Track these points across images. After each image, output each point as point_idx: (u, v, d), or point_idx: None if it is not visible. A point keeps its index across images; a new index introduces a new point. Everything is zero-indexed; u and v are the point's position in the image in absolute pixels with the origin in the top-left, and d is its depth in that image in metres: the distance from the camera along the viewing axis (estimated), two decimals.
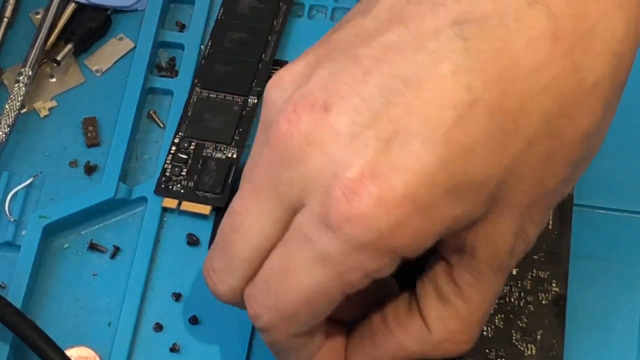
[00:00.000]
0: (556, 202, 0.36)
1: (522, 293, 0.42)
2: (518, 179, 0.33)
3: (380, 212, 0.32)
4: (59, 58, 0.49)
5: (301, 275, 0.34)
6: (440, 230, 0.33)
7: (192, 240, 0.45)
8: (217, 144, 0.47)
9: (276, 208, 0.35)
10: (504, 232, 0.35)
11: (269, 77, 0.48)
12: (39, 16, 0.51)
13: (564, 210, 0.44)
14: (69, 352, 0.42)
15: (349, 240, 0.33)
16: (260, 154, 0.35)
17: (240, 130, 0.47)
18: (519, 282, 0.43)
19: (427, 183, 0.32)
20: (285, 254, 0.35)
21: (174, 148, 0.47)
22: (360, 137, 0.33)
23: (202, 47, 0.49)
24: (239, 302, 0.38)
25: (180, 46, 0.50)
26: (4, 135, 0.47)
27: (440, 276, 0.36)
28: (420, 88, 0.32)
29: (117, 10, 0.51)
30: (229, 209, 0.37)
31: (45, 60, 0.50)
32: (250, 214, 0.36)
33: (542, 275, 0.43)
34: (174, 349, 0.43)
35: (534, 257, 0.43)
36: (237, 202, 0.36)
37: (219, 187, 0.45)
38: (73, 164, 0.48)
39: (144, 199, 0.46)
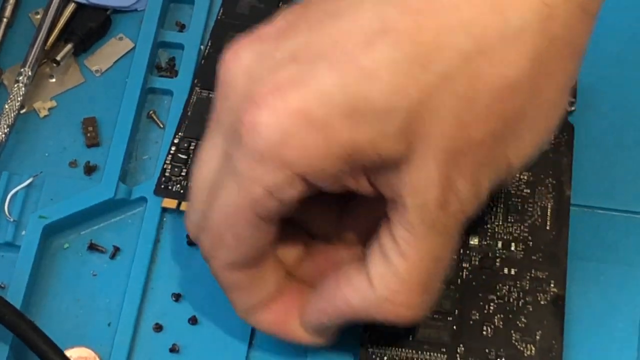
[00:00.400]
0: (495, 166, 0.36)
1: (521, 293, 0.42)
2: (435, 116, 0.33)
3: (272, 121, 0.34)
4: (58, 58, 0.49)
5: (222, 195, 0.37)
6: (339, 154, 0.34)
7: (192, 241, 0.45)
8: None
9: (220, 140, 0.37)
10: (428, 179, 0.35)
11: None
12: (39, 16, 0.51)
13: (561, 211, 0.44)
14: (69, 352, 0.42)
15: (248, 150, 0.35)
16: None
17: None
18: (518, 282, 0.43)
19: (323, 101, 0.34)
20: (217, 178, 0.37)
21: (173, 148, 0.47)
22: (280, 60, 0.35)
23: (202, 47, 0.49)
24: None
25: (180, 46, 0.50)
26: (3, 135, 0.47)
27: (383, 232, 0.37)
28: (340, 17, 0.34)
29: (117, 10, 0.51)
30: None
31: (45, 60, 0.50)
32: (204, 150, 0.38)
33: (541, 276, 0.43)
34: (173, 349, 0.43)
35: (532, 257, 0.43)
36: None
37: None
38: (73, 164, 0.48)
39: (143, 199, 0.46)
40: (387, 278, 0.37)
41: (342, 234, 0.41)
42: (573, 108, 0.46)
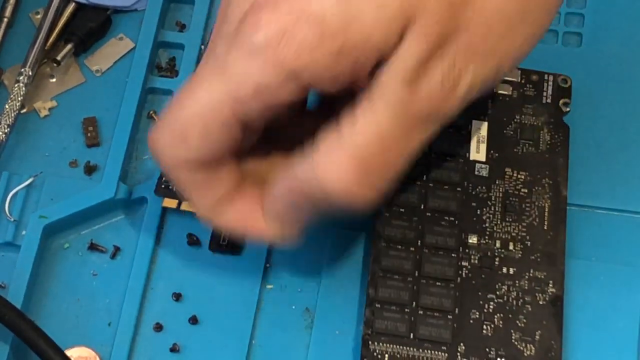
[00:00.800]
0: (481, 61, 0.36)
1: (520, 293, 0.42)
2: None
3: (274, 18, 0.35)
4: (59, 58, 0.49)
5: (198, 92, 0.37)
6: (335, 49, 0.34)
7: (192, 240, 0.45)
8: None
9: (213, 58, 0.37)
10: (405, 57, 0.35)
11: None
12: (39, 16, 0.51)
13: (558, 211, 0.44)
14: (69, 352, 0.42)
15: (246, 44, 0.35)
16: None
17: None
18: (517, 282, 0.43)
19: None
20: (196, 72, 0.37)
21: None
22: None
23: (202, 47, 0.49)
24: None
25: (180, 46, 0.50)
26: (4, 135, 0.47)
27: (344, 109, 0.36)
28: None
29: (117, 10, 0.51)
30: None
31: (45, 60, 0.50)
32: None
33: (539, 276, 0.43)
34: (174, 349, 0.43)
35: (531, 257, 0.43)
36: None
37: None
38: (73, 164, 0.48)
39: (144, 199, 0.46)
40: (333, 150, 0.36)
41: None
42: (568, 109, 0.46)
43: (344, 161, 0.36)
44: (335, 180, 0.36)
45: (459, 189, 0.44)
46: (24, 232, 0.45)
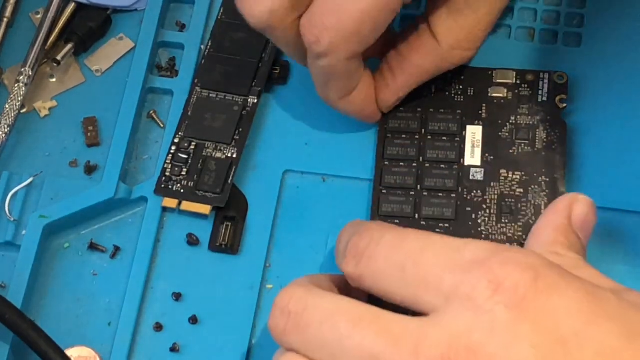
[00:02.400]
0: None
1: None
2: None
3: None
4: (59, 58, 0.49)
5: None
6: None
7: (192, 240, 0.45)
8: (217, 144, 0.47)
9: None
10: None
11: (269, 77, 0.48)
12: (39, 16, 0.51)
13: None
14: (69, 352, 0.42)
15: None
16: None
17: (240, 130, 0.47)
18: None
19: None
20: None
21: (174, 148, 0.47)
22: None
23: (202, 47, 0.49)
24: (273, 27, 0.41)
25: (180, 46, 0.50)
26: (4, 135, 0.47)
27: None
28: None
29: (117, 10, 0.51)
30: None
31: (46, 60, 0.50)
32: None
33: None
34: (174, 349, 0.43)
35: None
36: None
37: (219, 187, 0.45)
38: (73, 163, 0.48)
39: (144, 199, 0.46)
40: (454, 31, 0.44)
41: None
42: (564, 105, 0.46)
43: (467, 38, 0.44)
44: (463, 52, 0.45)
45: (453, 195, 0.44)
46: (24, 232, 0.45)
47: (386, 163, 0.45)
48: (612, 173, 0.45)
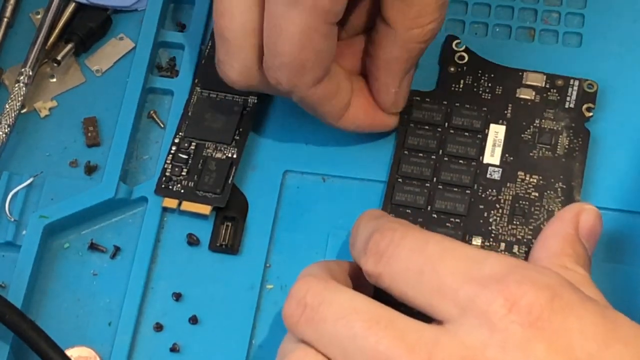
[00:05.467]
0: None
1: None
2: None
3: None
4: (59, 58, 0.49)
5: (286, 27, 0.39)
6: None
7: (192, 240, 0.45)
8: (217, 144, 0.47)
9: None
10: None
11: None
12: (39, 16, 0.51)
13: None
14: (69, 352, 0.42)
15: None
16: None
17: (240, 130, 0.47)
18: None
19: None
20: (269, 19, 0.40)
21: (174, 148, 0.47)
22: None
23: (202, 47, 0.49)
24: (256, 84, 0.43)
25: (180, 46, 0.50)
26: (4, 135, 0.47)
27: None
28: None
29: (117, 10, 0.51)
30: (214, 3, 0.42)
31: (46, 60, 0.50)
32: (228, 5, 0.41)
33: None
34: (174, 349, 0.43)
35: None
36: None
37: (219, 187, 0.45)
38: (73, 164, 0.48)
39: (144, 199, 0.46)
40: (405, 11, 0.41)
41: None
42: (591, 114, 0.45)
43: (421, 14, 0.42)
44: (425, 28, 0.42)
45: (467, 191, 0.44)
46: (24, 232, 0.45)
47: (405, 152, 0.45)
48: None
